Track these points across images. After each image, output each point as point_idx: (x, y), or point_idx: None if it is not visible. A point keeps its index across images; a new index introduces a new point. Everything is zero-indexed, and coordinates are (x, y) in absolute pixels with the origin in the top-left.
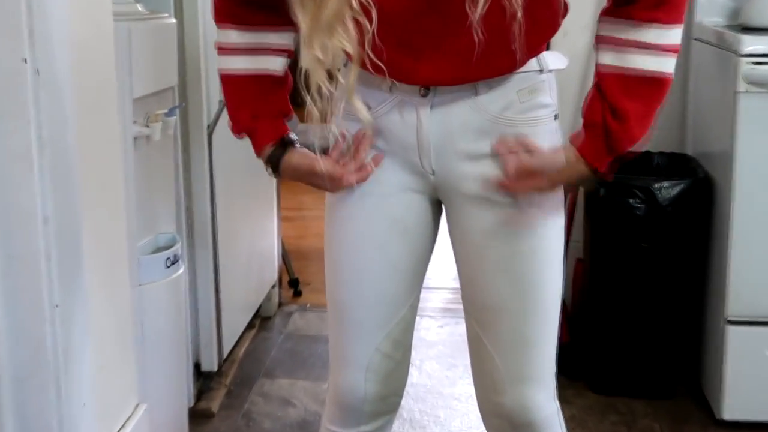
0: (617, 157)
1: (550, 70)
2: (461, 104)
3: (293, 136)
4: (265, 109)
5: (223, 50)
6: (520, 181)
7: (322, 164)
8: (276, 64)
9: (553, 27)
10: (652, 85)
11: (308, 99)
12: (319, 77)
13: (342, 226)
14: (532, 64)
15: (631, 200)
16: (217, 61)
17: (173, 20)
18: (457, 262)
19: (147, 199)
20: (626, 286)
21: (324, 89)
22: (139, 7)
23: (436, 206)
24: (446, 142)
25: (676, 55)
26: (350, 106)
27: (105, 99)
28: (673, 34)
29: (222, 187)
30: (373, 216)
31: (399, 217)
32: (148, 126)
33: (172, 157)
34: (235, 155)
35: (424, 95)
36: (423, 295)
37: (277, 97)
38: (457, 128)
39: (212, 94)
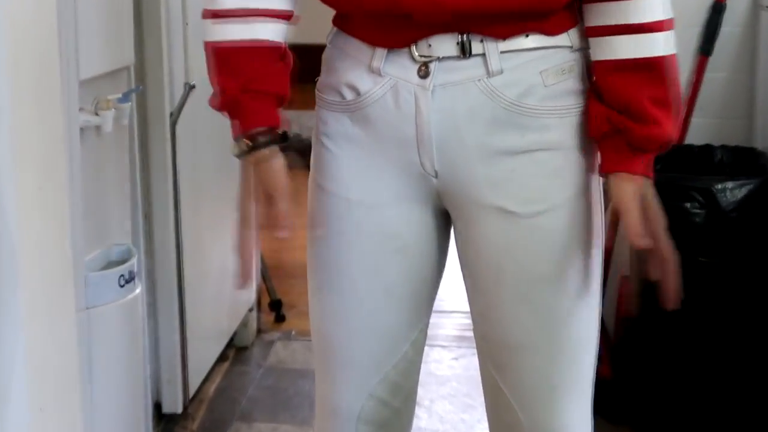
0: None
1: (582, 48)
2: (470, 87)
3: (287, 132)
4: (259, 86)
5: (211, 16)
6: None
7: (283, 203)
8: (275, 33)
9: None
10: (648, 71)
11: None
12: None
13: (325, 242)
14: (561, 37)
15: (687, 204)
16: (203, 30)
17: None
18: (467, 288)
19: (96, 203)
20: (682, 309)
21: None
22: None
23: (442, 218)
24: (452, 136)
25: (657, 32)
26: (332, 91)
27: (45, 81)
28: (657, 3)
29: (188, 188)
30: (363, 231)
31: (395, 233)
32: (97, 114)
33: (127, 152)
34: (204, 150)
35: (424, 75)
36: (434, 320)
37: (275, 75)
38: (465, 117)
39: (176, 74)
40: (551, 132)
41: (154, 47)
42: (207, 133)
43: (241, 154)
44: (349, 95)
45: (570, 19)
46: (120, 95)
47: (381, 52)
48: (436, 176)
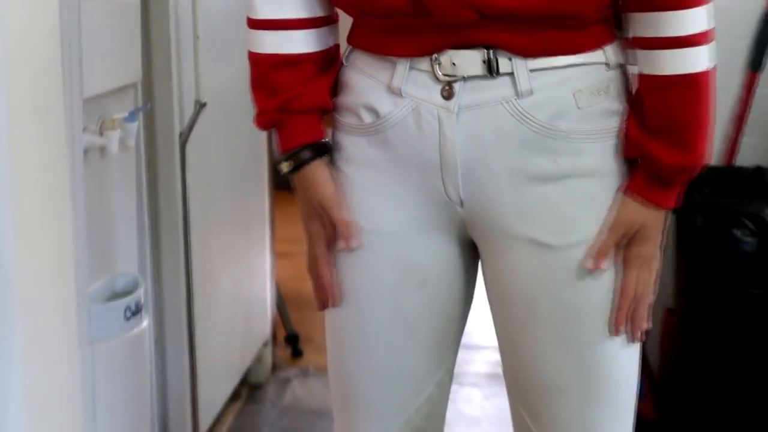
0: (682, 185)
1: (621, 65)
2: (497, 109)
3: (327, 142)
4: (298, 104)
5: (250, 25)
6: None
7: (337, 212)
8: (315, 42)
9: None
10: (686, 88)
11: None
12: None
13: (343, 274)
14: (595, 54)
15: (737, 231)
16: (246, 37)
17: None
18: (495, 325)
19: (100, 229)
20: (732, 345)
21: None
22: None
23: (468, 249)
24: (478, 161)
25: (703, 45)
26: (349, 114)
27: (46, 99)
28: (695, 17)
29: (199, 213)
30: (382, 263)
31: (416, 265)
32: (102, 134)
33: (134, 175)
34: (216, 172)
35: (448, 96)
36: (463, 356)
37: (314, 90)
38: (493, 141)
39: (186, 91)
40: (586, 156)
41: (162, 62)
42: (218, 154)
43: (286, 174)
44: (367, 118)
45: (605, 33)
46: (126, 114)
47: (402, 69)
48: (462, 204)
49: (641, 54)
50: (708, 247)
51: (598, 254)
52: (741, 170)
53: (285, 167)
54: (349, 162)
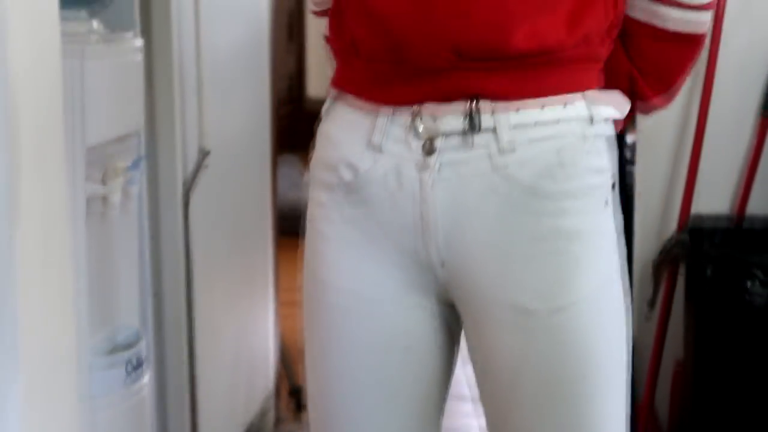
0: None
1: (606, 120)
2: (480, 167)
3: None
4: None
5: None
6: None
7: None
8: None
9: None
10: (686, 46)
11: None
12: None
13: (323, 343)
14: (580, 109)
15: (748, 283)
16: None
17: (140, 41)
18: (480, 392)
19: (102, 280)
20: (743, 398)
21: None
22: (96, 25)
23: (450, 311)
24: (460, 221)
25: (710, 11)
26: (328, 171)
27: (48, 147)
28: None
29: (202, 265)
30: (364, 329)
31: (399, 330)
32: (104, 184)
33: (136, 225)
34: (220, 222)
35: (429, 152)
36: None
37: None
38: (474, 201)
39: (190, 139)
40: (571, 217)
41: (166, 109)
42: (223, 203)
43: None
44: (347, 175)
45: (588, 73)
46: (129, 163)
47: (382, 123)
48: (443, 266)
49: (644, 5)
50: (718, 299)
51: None
52: (753, 220)
53: None
54: (329, 221)
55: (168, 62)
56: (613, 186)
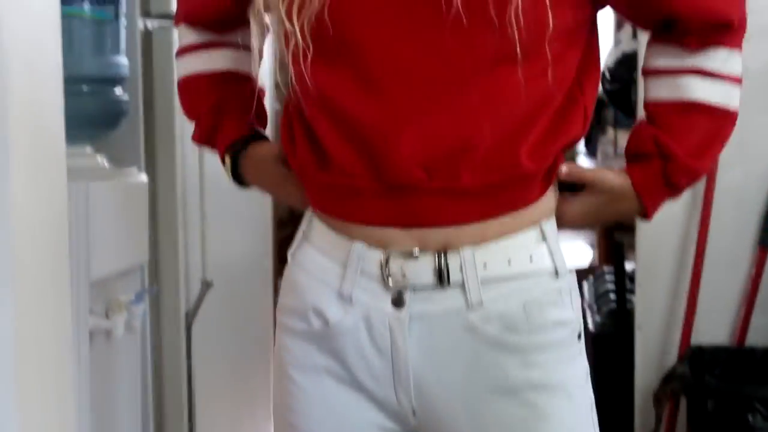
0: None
1: (570, 271)
2: (449, 320)
3: (262, 132)
4: (230, 106)
5: (176, 56)
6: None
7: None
8: (235, 62)
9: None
10: (718, 119)
11: None
12: None
13: None
14: (544, 262)
15: (750, 417)
16: (176, 70)
17: (144, 177)
18: None
19: (104, 412)
20: None
21: None
22: (100, 160)
23: None
24: (430, 371)
25: (740, 86)
26: (296, 317)
27: (53, 282)
28: (738, 61)
29: (204, 396)
30: None
31: None
32: (108, 317)
33: (139, 357)
34: (222, 353)
35: (398, 304)
36: None
37: (242, 96)
38: (444, 353)
39: (192, 271)
40: (537, 369)
41: (169, 243)
42: (225, 334)
43: (232, 175)
44: (316, 323)
45: (546, 200)
46: (133, 296)
47: (351, 273)
48: (414, 414)
49: (662, 81)
50: None
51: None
52: (753, 352)
53: (228, 168)
54: (299, 369)
55: (172, 196)
56: (579, 336)
